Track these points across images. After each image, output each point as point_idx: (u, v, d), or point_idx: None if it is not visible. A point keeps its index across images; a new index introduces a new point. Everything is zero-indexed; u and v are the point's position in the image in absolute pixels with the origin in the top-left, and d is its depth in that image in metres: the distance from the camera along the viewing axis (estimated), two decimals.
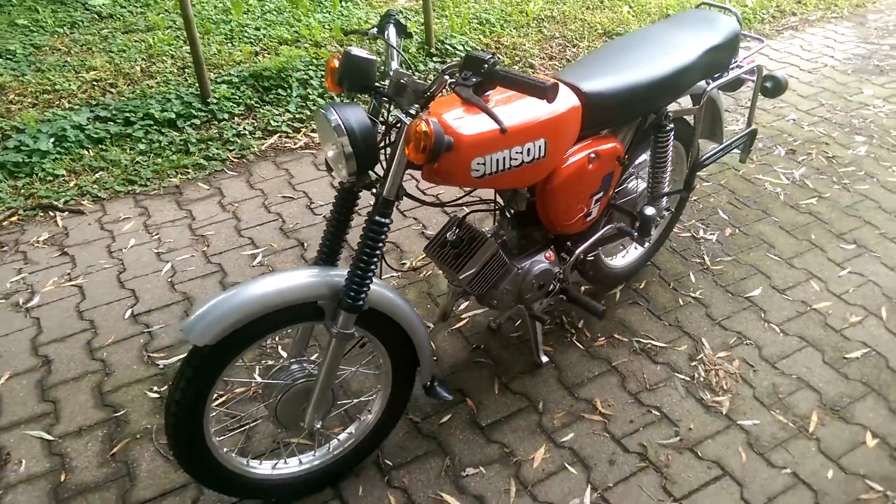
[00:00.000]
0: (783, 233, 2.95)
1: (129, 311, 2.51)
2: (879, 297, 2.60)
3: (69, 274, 2.70)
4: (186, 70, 4.08)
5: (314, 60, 4.06)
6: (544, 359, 2.32)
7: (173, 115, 3.59)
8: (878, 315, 2.52)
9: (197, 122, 3.62)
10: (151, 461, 1.99)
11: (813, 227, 2.98)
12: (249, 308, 1.54)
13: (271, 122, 3.68)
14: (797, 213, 3.07)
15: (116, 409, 2.14)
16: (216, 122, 3.65)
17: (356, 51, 1.60)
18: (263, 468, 1.86)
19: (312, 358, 1.86)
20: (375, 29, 1.76)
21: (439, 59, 4.25)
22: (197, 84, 3.74)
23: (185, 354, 1.61)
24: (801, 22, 5.23)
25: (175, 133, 3.54)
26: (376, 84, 1.63)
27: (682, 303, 2.58)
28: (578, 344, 2.40)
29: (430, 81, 1.55)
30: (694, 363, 2.33)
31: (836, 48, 4.80)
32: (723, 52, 2.26)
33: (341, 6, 4.87)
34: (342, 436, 1.95)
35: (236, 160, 3.45)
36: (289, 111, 3.75)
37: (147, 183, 3.25)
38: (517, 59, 4.42)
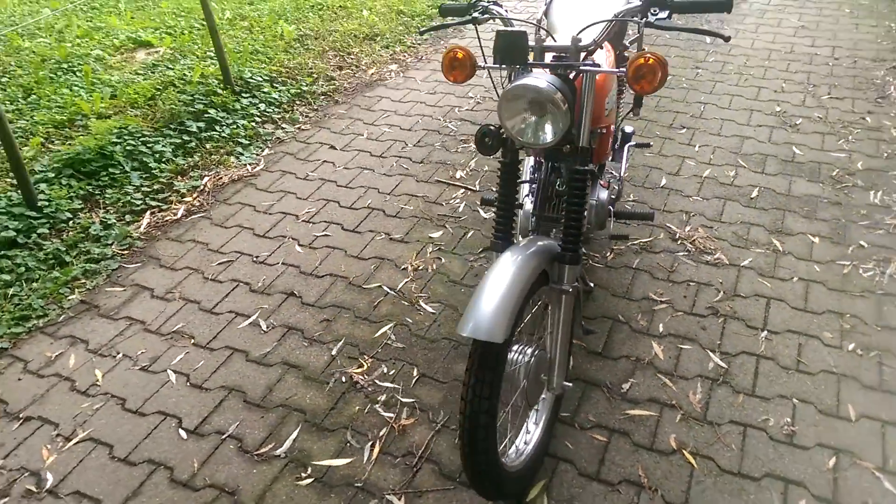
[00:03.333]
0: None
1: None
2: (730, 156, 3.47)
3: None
4: None
5: (125, 129, 3.57)
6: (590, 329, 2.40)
7: (13, 234, 2.88)
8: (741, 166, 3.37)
9: (45, 230, 2.96)
10: None
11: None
12: (519, 291, 1.57)
13: (130, 203, 3.19)
14: None
15: None
16: (64, 224, 3.03)
17: (505, 28, 1.69)
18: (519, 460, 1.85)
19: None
20: (473, 14, 1.83)
21: (248, 95, 4.08)
22: (19, 191, 3.04)
23: (471, 366, 1.57)
24: None
25: (26, 252, 2.86)
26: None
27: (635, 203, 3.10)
28: (597, 265, 2.75)
29: (570, 39, 1.72)
30: (680, 242, 2.86)
31: None
32: None
33: (92, 75, 4.27)
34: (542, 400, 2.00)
35: (125, 252, 2.94)
36: (133, 185, 3.28)
37: (46, 312, 2.61)
38: (315, 75, 4.46)
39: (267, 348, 2.44)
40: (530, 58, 1.69)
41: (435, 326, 2.49)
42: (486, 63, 1.77)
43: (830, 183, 3.19)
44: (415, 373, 2.31)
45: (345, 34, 5.09)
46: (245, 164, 3.56)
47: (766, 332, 2.40)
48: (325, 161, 3.58)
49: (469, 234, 2.96)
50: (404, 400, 2.21)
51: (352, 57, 4.79)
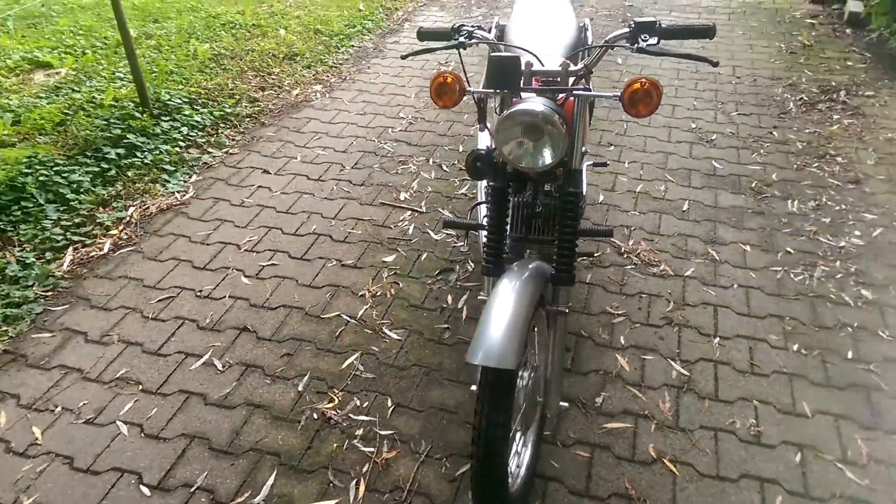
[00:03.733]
0: None
1: None
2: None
3: None
4: None
5: (35, 158, 3.28)
6: None
7: None
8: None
9: None
10: None
11: None
12: (525, 316, 1.57)
13: (50, 239, 2.93)
14: None
15: None
16: None
17: (498, 54, 1.69)
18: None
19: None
20: (459, 39, 1.82)
21: (168, 118, 3.86)
22: None
23: (484, 394, 1.54)
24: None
25: None
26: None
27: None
28: None
29: (575, 62, 1.74)
30: (626, 256, 2.96)
31: None
32: None
33: None
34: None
35: (49, 293, 2.69)
36: (51, 219, 3.01)
37: None
38: (236, 96, 4.28)
39: (226, 389, 2.29)
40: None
41: (403, 353, 2.44)
42: (469, 87, 1.76)
43: (751, 194, 3.40)
44: (389, 403, 2.25)
45: (263, 54, 4.93)
46: (173, 192, 3.36)
47: (718, 338, 2.52)
48: (259, 186, 3.44)
49: (423, 257, 2.93)
50: (382, 432, 2.14)
51: (273, 77, 4.65)
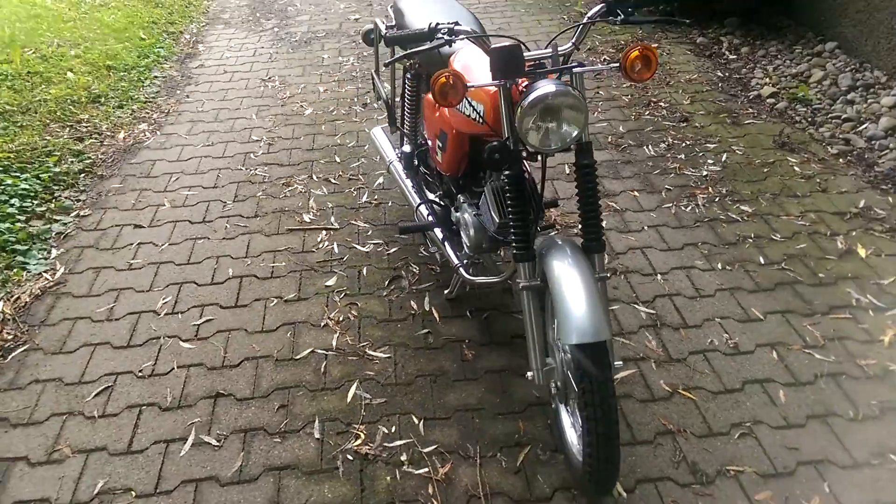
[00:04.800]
0: None
1: None
2: None
3: None
4: None
5: None
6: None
7: None
8: None
9: None
10: None
11: None
12: (595, 288, 1.66)
13: None
14: None
15: None
16: None
17: (499, 45, 1.69)
18: None
19: None
20: (444, 38, 1.77)
21: None
22: None
23: (587, 367, 1.57)
24: None
25: None
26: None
27: None
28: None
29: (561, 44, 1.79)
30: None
31: None
32: None
33: None
34: None
35: None
36: None
37: None
38: (55, 153, 3.68)
39: (236, 463, 2.04)
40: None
41: (399, 369, 2.36)
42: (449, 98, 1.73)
43: (613, 147, 3.77)
44: (415, 420, 2.17)
45: (59, 101, 4.29)
46: (40, 273, 2.84)
47: (659, 275, 2.79)
48: (140, 243, 3.03)
49: (364, 272, 2.82)
50: (425, 450, 2.07)
51: (86, 125, 4.08)
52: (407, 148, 2.73)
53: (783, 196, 3.24)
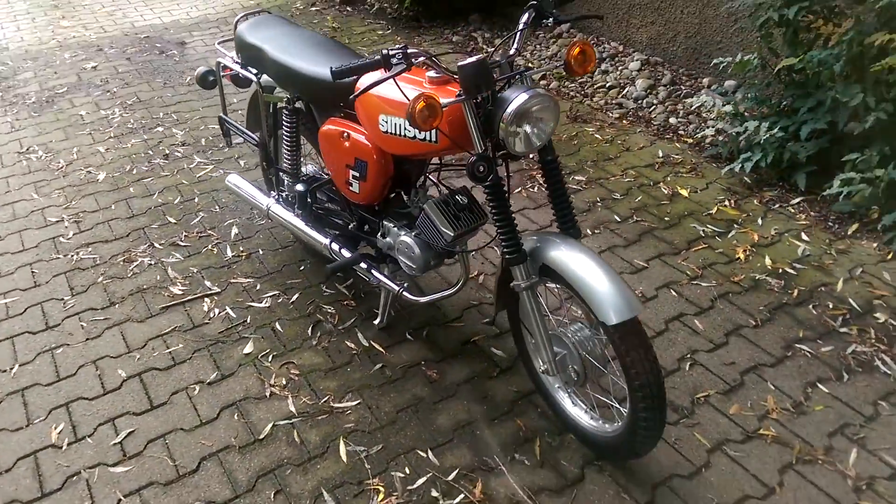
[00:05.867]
0: None
1: None
2: None
3: None
4: None
5: None
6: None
7: None
8: None
9: None
10: None
11: None
12: (609, 265, 1.78)
13: None
14: None
15: None
16: None
17: (466, 61, 1.70)
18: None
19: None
20: (402, 63, 1.72)
21: None
22: None
23: (632, 343, 1.71)
24: None
25: None
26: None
27: None
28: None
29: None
30: None
31: None
32: None
33: None
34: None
35: None
36: None
37: None
38: None
39: None
40: None
41: (377, 411, 2.25)
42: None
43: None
44: (421, 453, 2.11)
45: None
46: None
47: None
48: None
49: (278, 327, 2.61)
50: (450, 478, 2.03)
51: None
52: (300, 186, 2.58)
53: (601, 161, 3.70)
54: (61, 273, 2.96)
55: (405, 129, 2.00)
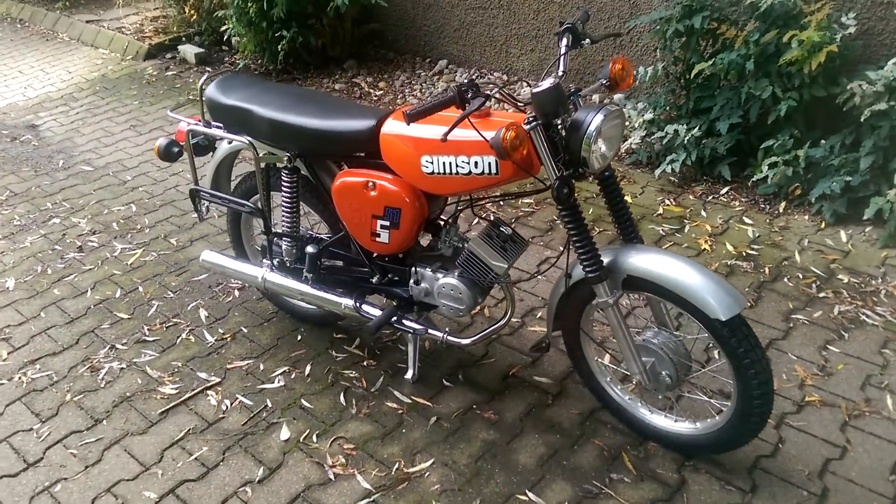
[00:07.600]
0: None
1: None
2: None
3: None
4: None
5: None
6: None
7: None
8: None
9: None
10: None
11: None
12: (701, 267, 1.87)
13: None
14: None
15: None
16: None
17: (540, 88, 1.71)
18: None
19: None
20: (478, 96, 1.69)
21: None
22: None
23: (742, 334, 1.79)
24: None
25: None
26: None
27: None
28: None
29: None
30: None
31: None
32: None
33: None
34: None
35: None
36: None
37: None
38: None
39: None
40: None
41: (455, 466, 2.14)
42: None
43: None
44: (525, 497, 2.03)
45: None
46: None
47: None
48: None
49: (305, 403, 2.39)
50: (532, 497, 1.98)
51: None
52: (310, 248, 2.40)
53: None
54: (14, 400, 2.50)
55: (456, 166, 1.95)
